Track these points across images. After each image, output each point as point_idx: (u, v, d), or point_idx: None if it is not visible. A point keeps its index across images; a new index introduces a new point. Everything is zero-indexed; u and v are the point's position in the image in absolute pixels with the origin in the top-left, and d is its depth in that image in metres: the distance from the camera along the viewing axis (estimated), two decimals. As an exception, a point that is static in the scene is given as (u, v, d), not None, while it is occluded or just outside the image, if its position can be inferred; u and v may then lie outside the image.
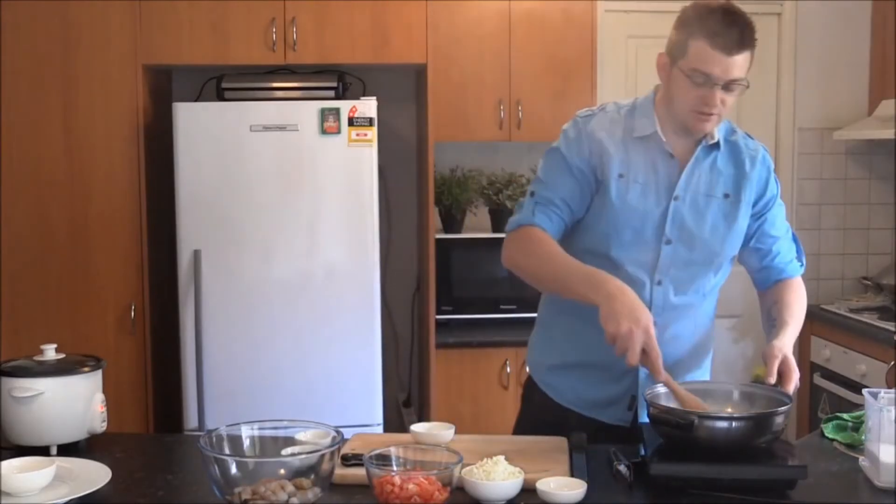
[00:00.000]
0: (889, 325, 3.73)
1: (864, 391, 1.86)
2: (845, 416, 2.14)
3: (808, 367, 4.23)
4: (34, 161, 3.66)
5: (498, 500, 1.68)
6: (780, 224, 2.25)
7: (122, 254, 3.71)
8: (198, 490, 1.78)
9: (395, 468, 1.71)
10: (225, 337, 3.61)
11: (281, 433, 1.82)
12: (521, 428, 2.28)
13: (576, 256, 2.12)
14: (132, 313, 3.72)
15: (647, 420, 2.07)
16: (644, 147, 2.12)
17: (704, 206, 2.13)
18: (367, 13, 3.72)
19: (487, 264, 4.01)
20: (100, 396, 2.06)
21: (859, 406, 2.23)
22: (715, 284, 2.21)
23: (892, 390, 1.82)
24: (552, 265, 2.06)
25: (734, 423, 1.80)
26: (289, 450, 1.75)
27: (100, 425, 2.05)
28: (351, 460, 1.84)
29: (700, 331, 2.22)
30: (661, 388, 1.92)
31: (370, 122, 3.59)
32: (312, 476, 1.63)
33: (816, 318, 4.22)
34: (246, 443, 1.77)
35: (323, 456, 1.63)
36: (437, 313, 3.90)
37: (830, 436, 2.09)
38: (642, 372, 2.13)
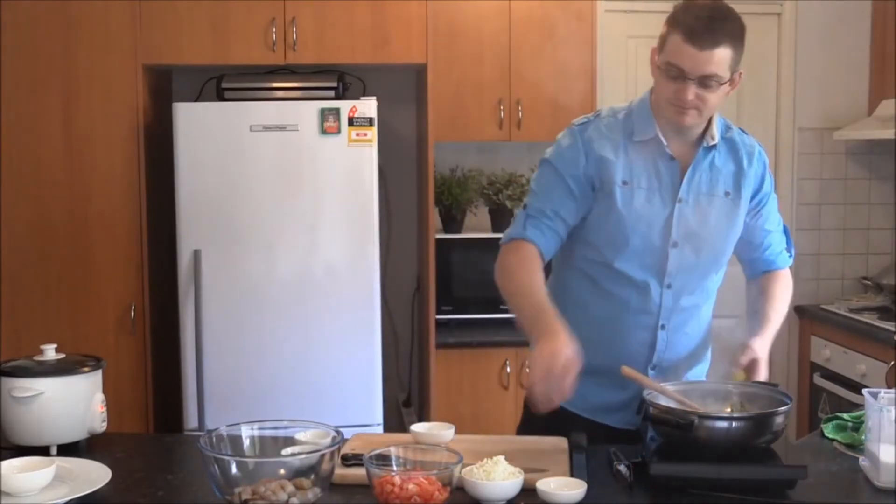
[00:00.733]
0: (889, 325, 3.73)
1: (864, 391, 1.86)
2: (845, 416, 2.14)
3: (808, 367, 4.24)
4: (34, 161, 3.66)
5: (498, 500, 1.68)
6: (773, 218, 2.27)
7: (122, 254, 3.71)
8: (198, 490, 1.78)
9: (395, 468, 1.71)
10: (225, 337, 3.61)
11: (281, 433, 1.82)
12: (525, 433, 2.25)
13: (577, 266, 2.14)
14: (132, 313, 3.72)
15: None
16: (645, 151, 2.12)
17: (707, 205, 2.13)
18: (367, 13, 3.72)
19: (487, 264, 3.94)
20: (100, 396, 2.06)
21: (859, 406, 2.23)
22: (717, 282, 2.23)
23: (892, 390, 1.82)
24: (514, 285, 2.07)
25: (734, 423, 1.80)
26: (289, 450, 1.75)
27: (100, 425, 2.05)
28: (351, 460, 1.84)
29: (704, 327, 2.25)
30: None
31: (370, 122, 3.59)
32: (312, 476, 1.63)
33: (816, 318, 4.23)
34: (246, 443, 1.77)
35: (323, 456, 1.63)
36: (437, 313, 3.90)
37: (830, 436, 2.09)
38: (651, 375, 2.13)
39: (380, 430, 3.65)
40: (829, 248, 4.47)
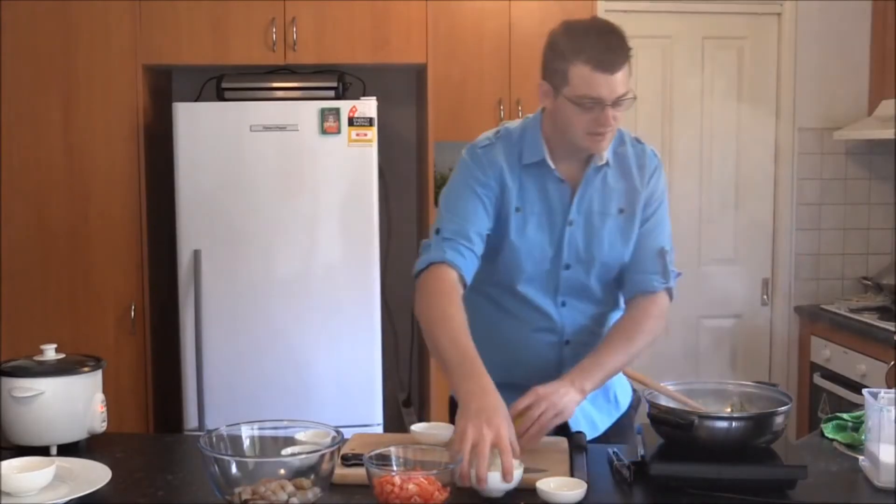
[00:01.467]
0: (889, 325, 3.73)
1: (864, 391, 1.86)
2: (845, 416, 2.14)
3: (808, 367, 4.24)
4: (34, 161, 3.66)
5: (498, 491, 1.68)
6: (651, 239, 2.14)
7: (122, 254, 3.71)
8: (198, 490, 1.78)
9: (395, 468, 1.70)
10: (225, 337, 3.61)
11: (281, 433, 1.82)
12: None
13: (483, 289, 2.10)
14: (132, 313, 3.72)
15: (578, 424, 2.10)
16: (535, 174, 2.09)
17: (600, 225, 2.10)
18: (367, 13, 3.72)
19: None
20: (100, 396, 2.06)
21: (859, 406, 2.23)
22: (618, 296, 2.19)
23: (892, 390, 1.82)
24: (439, 329, 1.94)
25: (734, 423, 1.80)
26: (289, 450, 1.75)
27: (100, 425, 2.05)
28: (351, 460, 1.84)
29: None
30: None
31: (370, 122, 3.59)
32: (312, 476, 1.63)
33: (816, 318, 4.23)
34: (246, 443, 1.76)
35: (323, 456, 1.63)
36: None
37: (830, 436, 2.08)
38: None
39: (380, 430, 3.65)
40: (829, 248, 4.46)
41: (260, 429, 1.79)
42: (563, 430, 2.03)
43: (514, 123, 2.17)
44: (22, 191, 3.66)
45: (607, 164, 2.10)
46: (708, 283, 4.22)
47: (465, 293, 2.05)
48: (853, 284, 4.46)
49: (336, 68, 3.87)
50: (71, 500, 1.69)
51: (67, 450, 1.98)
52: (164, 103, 3.81)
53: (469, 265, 2.04)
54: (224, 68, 3.84)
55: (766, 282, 4.44)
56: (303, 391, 3.62)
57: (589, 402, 2.15)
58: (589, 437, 2.14)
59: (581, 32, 1.98)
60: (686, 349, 4.30)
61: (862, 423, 2.03)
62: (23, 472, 1.71)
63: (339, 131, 3.58)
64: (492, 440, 1.69)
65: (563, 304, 2.13)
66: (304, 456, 1.65)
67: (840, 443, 2.04)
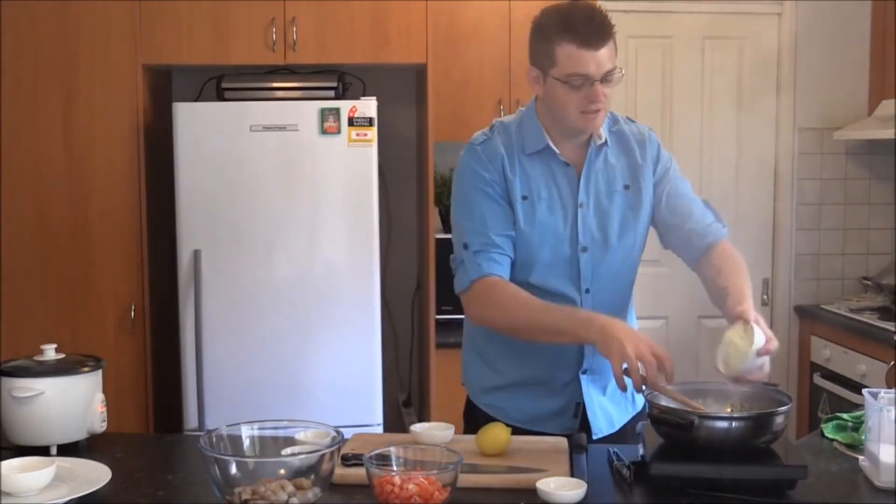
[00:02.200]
0: (889, 325, 3.72)
1: (864, 391, 1.86)
2: (845, 416, 2.14)
3: (809, 367, 4.23)
4: (34, 161, 3.66)
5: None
6: (685, 191, 2.21)
7: (122, 254, 3.71)
8: (198, 490, 1.78)
9: (395, 468, 1.70)
10: (225, 337, 3.61)
11: (281, 433, 1.82)
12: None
13: None
14: (132, 313, 3.72)
15: (598, 421, 2.15)
16: (539, 162, 2.12)
17: (609, 204, 2.13)
18: (367, 13, 3.72)
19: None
20: (100, 396, 2.06)
21: (859, 406, 2.23)
22: (634, 280, 2.23)
23: (892, 390, 1.82)
24: (528, 313, 2.01)
25: (734, 423, 1.80)
26: (289, 450, 1.75)
27: (100, 425, 2.05)
28: (351, 460, 1.84)
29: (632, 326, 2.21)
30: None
31: (370, 122, 3.59)
32: (312, 476, 1.63)
33: (816, 318, 4.23)
34: (246, 443, 1.76)
35: (323, 456, 1.63)
36: (437, 313, 3.89)
37: (830, 436, 2.09)
38: (584, 379, 2.15)
39: (380, 430, 3.65)
40: (829, 248, 4.46)
41: (260, 429, 1.79)
42: (584, 428, 2.10)
43: (509, 118, 2.20)
44: (22, 191, 3.66)
45: (606, 143, 2.14)
46: (708, 283, 4.22)
47: None
48: (853, 284, 4.46)
49: (336, 68, 3.87)
50: (71, 500, 1.70)
51: (67, 450, 1.98)
52: (164, 103, 3.81)
53: (506, 269, 2.09)
54: (224, 68, 3.84)
55: (766, 282, 4.44)
56: (303, 391, 3.62)
57: (608, 400, 2.17)
58: (605, 433, 2.16)
59: (563, 13, 2.02)
60: (686, 349, 4.30)
61: (862, 423, 2.03)
62: (23, 472, 1.71)
63: (339, 131, 3.58)
64: (648, 349, 1.81)
65: (587, 292, 2.13)
66: (304, 456, 1.65)
67: (840, 443, 2.04)
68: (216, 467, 1.61)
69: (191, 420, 3.61)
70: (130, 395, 3.72)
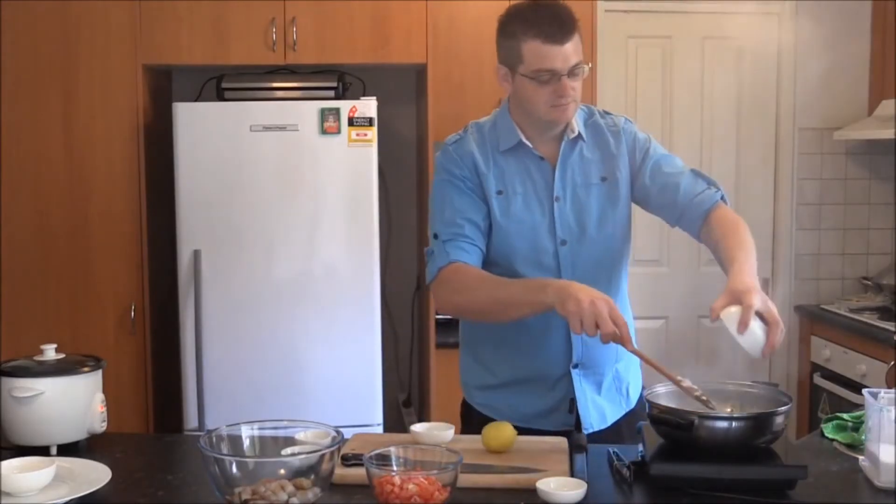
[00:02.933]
0: (889, 325, 3.73)
1: (864, 391, 1.86)
2: (845, 416, 2.14)
3: (809, 367, 4.23)
4: (34, 161, 3.66)
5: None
6: (671, 168, 2.16)
7: (122, 254, 3.71)
8: (198, 490, 1.78)
9: (395, 468, 1.70)
10: (225, 337, 3.61)
11: (281, 433, 1.82)
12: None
13: (484, 269, 2.13)
14: (132, 313, 3.72)
15: (589, 415, 2.15)
16: (514, 158, 2.15)
17: (586, 197, 2.15)
18: (367, 13, 3.72)
19: (487, 264, 4.00)
20: (100, 396, 2.06)
21: (859, 406, 2.23)
22: (623, 273, 2.22)
23: (892, 390, 1.82)
24: (488, 291, 2.04)
25: (734, 423, 1.80)
26: (289, 450, 1.75)
27: (100, 425, 2.05)
28: (351, 460, 1.84)
29: None
30: (660, 389, 1.92)
31: (370, 122, 3.59)
32: (312, 476, 1.63)
33: (816, 318, 4.23)
34: (246, 443, 1.76)
35: (323, 456, 1.63)
36: (437, 313, 3.90)
37: (830, 436, 2.09)
38: (576, 374, 2.16)
39: (380, 430, 3.65)
40: (829, 248, 4.46)
41: (260, 429, 1.79)
42: (579, 425, 2.10)
43: (484, 119, 2.24)
44: (22, 191, 3.66)
45: (580, 136, 2.16)
46: (708, 283, 4.21)
47: None
48: (853, 284, 4.46)
49: (336, 68, 3.87)
50: (71, 500, 1.70)
51: (67, 450, 1.98)
52: (164, 103, 3.81)
53: (473, 257, 2.10)
54: (224, 68, 3.84)
55: (767, 282, 4.43)
56: (303, 391, 3.62)
57: (601, 396, 2.17)
58: (597, 428, 2.15)
59: (528, 11, 2.05)
60: (686, 349, 4.30)
61: (862, 423, 2.03)
62: (23, 472, 1.71)
63: (339, 131, 3.58)
64: (606, 307, 1.82)
65: None
66: (304, 456, 1.65)
67: (840, 443, 2.04)
68: (216, 467, 1.61)
69: (191, 420, 3.61)
70: (130, 395, 3.72)
